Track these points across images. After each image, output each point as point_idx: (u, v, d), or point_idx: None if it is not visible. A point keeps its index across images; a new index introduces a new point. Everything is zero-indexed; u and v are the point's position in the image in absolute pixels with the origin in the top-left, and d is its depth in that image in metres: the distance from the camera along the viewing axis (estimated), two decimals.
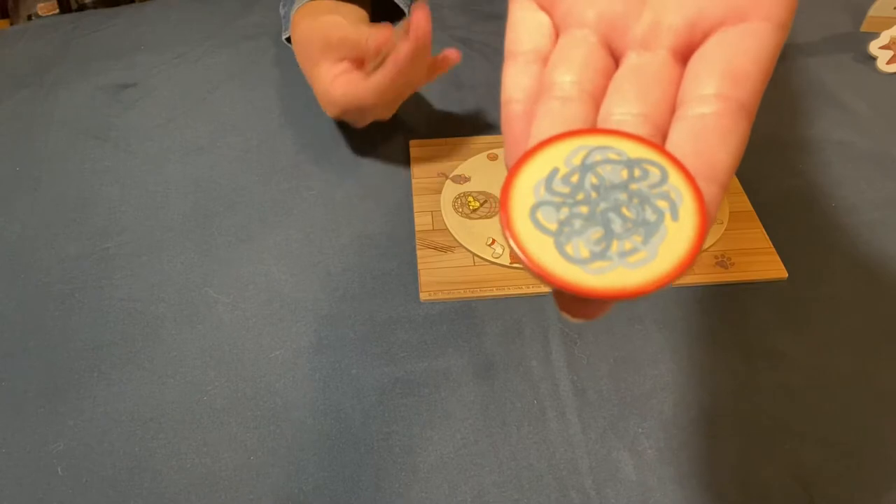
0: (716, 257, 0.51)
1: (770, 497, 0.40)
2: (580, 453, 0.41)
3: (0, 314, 0.48)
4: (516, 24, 0.27)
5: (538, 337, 0.47)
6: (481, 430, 0.42)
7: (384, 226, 0.54)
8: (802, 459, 0.41)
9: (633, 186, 0.22)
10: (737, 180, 0.57)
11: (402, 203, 0.55)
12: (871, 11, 0.71)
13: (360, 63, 0.53)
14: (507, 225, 0.21)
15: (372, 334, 0.47)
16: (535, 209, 0.22)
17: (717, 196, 0.22)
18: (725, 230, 0.53)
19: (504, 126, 0.25)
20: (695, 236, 0.21)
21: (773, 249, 0.51)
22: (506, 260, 0.50)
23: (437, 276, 0.50)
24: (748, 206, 0.55)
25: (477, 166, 0.58)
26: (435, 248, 0.52)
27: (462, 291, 0.49)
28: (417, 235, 0.52)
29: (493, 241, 0.52)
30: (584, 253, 0.21)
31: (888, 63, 0.68)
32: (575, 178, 0.22)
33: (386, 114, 0.56)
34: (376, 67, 0.51)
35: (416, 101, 0.64)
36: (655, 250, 0.21)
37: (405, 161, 0.58)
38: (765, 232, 0.53)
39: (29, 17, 0.82)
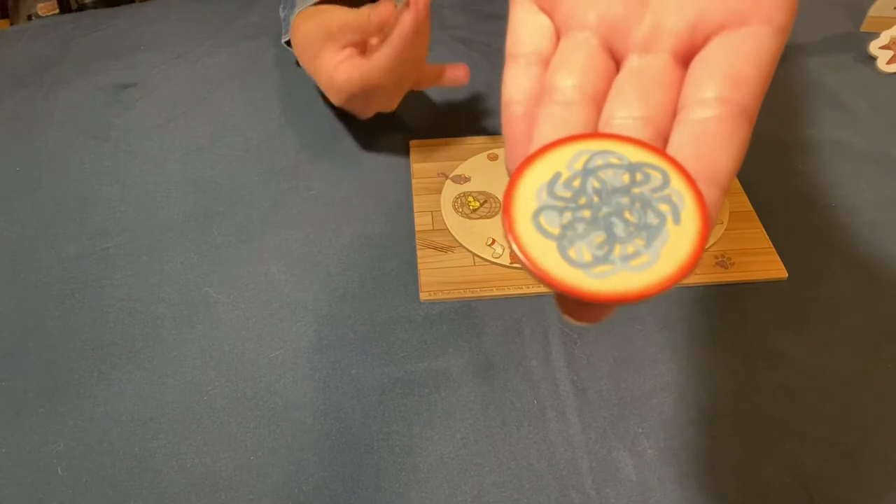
0: (716, 257, 0.51)
1: (770, 497, 0.40)
2: (580, 453, 0.41)
3: (0, 314, 0.48)
4: (517, 25, 0.27)
5: (538, 337, 0.47)
6: (481, 430, 0.42)
7: (384, 226, 0.54)
8: (802, 459, 0.41)
9: (635, 190, 0.22)
10: (737, 180, 0.57)
11: (402, 203, 0.55)
12: (871, 11, 0.71)
13: (363, 48, 0.53)
14: (510, 229, 0.21)
15: (372, 334, 0.47)
16: (537, 213, 0.22)
17: (719, 199, 0.22)
18: (725, 230, 0.53)
19: (505, 127, 0.25)
20: (697, 239, 0.21)
21: (773, 249, 0.51)
22: (506, 260, 0.51)
23: (437, 276, 0.50)
24: (748, 206, 0.55)
25: (477, 166, 0.58)
26: (435, 248, 0.52)
27: (462, 291, 0.49)
28: (417, 235, 0.52)
29: (493, 241, 0.52)
30: (587, 257, 0.21)
31: (888, 63, 0.68)
32: (577, 183, 0.22)
33: (390, 102, 0.56)
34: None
35: (416, 101, 0.64)
36: (658, 254, 0.21)
37: (405, 161, 0.58)
38: (765, 232, 0.53)
39: (29, 17, 0.82)
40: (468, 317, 0.48)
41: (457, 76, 0.57)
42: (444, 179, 0.57)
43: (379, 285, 0.50)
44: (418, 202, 0.55)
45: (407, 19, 0.48)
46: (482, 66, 0.68)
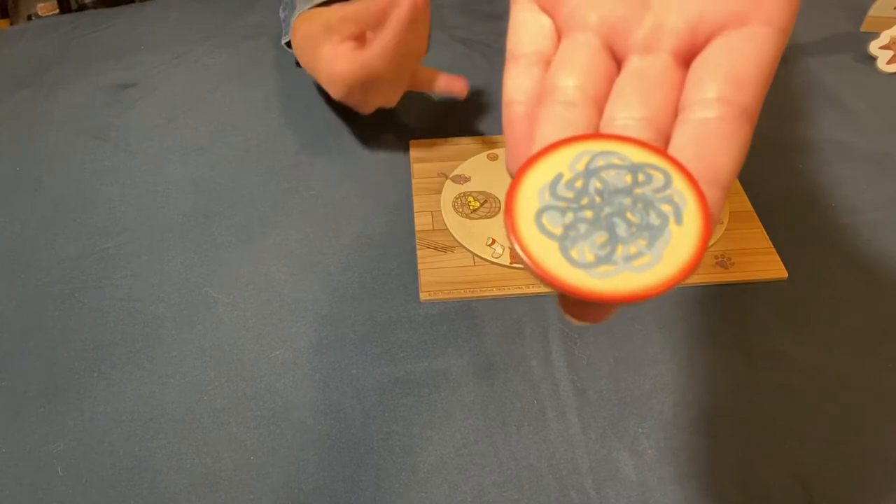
0: (716, 257, 0.51)
1: (770, 497, 0.40)
2: (580, 453, 0.41)
3: (0, 314, 0.48)
4: (518, 25, 0.27)
5: (538, 337, 0.47)
6: (481, 430, 0.42)
7: (384, 226, 0.54)
8: (802, 459, 0.41)
9: (637, 191, 0.22)
10: (737, 180, 0.57)
11: (402, 203, 0.55)
12: (871, 11, 0.71)
13: (363, 41, 0.53)
14: (512, 229, 0.21)
15: (372, 334, 0.47)
16: (540, 214, 0.22)
17: (720, 200, 0.22)
18: (725, 230, 0.53)
19: (506, 127, 0.25)
20: (698, 240, 0.21)
21: (773, 249, 0.51)
22: (506, 260, 0.51)
23: (437, 276, 0.50)
24: (748, 206, 0.55)
25: (477, 166, 0.58)
26: (435, 248, 0.52)
27: (462, 291, 0.49)
28: (417, 235, 0.52)
29: (493, 241, 0.52)
30: (590, 257, 0.21)
31: (888, 63, 0.68)
32: (579, 184, 0.22)
33: (390, 96, 0.56)
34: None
35: (417, 101, 0.64)
36: (660, 254, 0.21)
37: (405, 161, 0.58)
38: (765, 232, 0.53)
39: (29, 17, 0.83)
40: (468, 317, 0.48)
41: (453, 87, 0.57)
42: (444, 179, 0.57)
43: (379, 285, 0.50)
44: (418, 202, 0.55)
45: (404, 5, 0.48)
46: (482, 66, 0.68)
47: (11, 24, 0.85)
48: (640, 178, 0.22)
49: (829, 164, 0.59)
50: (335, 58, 0.52)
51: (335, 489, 0.40)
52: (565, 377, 0.45)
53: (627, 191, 0.22)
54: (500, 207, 0.54)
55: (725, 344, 0.47)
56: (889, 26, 0.69)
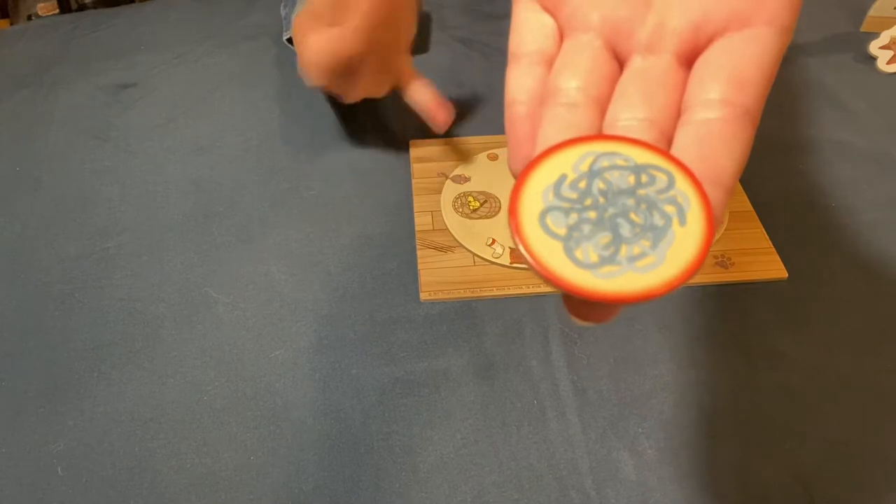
0: (716, 257, 0.51)
1: (770, 497, 0.40)
2: (580, 453, 0.41)
3: (0, 314, 0.48)
4: (520, 25, 0.27)
5: (538, 337, 0.47)
6: (481, 430, 0.42)
7: (384, 226, 0.54)
8: (802, 459, 0.41)
9: (641, 192, 0.22)
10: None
11: (402, 203, 0.55)
12: (871, 11, 0.71)
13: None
14: (516, 230, 0.22)
15: (372, 334, 0.47)
16: (544, 214, 0.22)
17: (723, 201, 0.22)
18: (725, 230, 0.53)
19: (508, 127, 0.25)
20: (702, 240, 0.21)
21: (773, 249, 0.51)
22: (506, 260, 0.51)
23: (437, 276, 0.50)
24: (748, 206, 0.55)
25: (477, 166, 0.58)
26: (435, 248, 0.52)
27: (462, 291, 0.49)
28: (417, 235, 0.52)
29: (494, 241, 0.52)
30: (594, 257, 0.21)
31: (888, 63, 0.68)
32: (583, 184, 0.22)
33: (375, 84, 0.54)
34: None
35: None
36: (664, 255, 0.21)
37: (405, 161, 0.58)
38: (765, 232, 0.53)
39: (29, 17, 0.83)
40: (468, 317, 0.48)
41: (437, 114, 0.53)
42: (444, 179, 0.57)
43: (379, 285, 0.50)
44: (418, 202, 0.55)
45: None
46: (482, 66, 0.68)
47: (11, 24, 0.85)
48: (644, 178, 0.22)
49: (829, 164, 0.59)
50: (314, 42, 0.50)
51: (335, 489, 0.40)
52: (565, 377, 0.45)
53: (631, 192, 0.22)
54: (500, 207, 0.54)
55: (725, 344, 0.47)
56: (889, 26, 0.69)
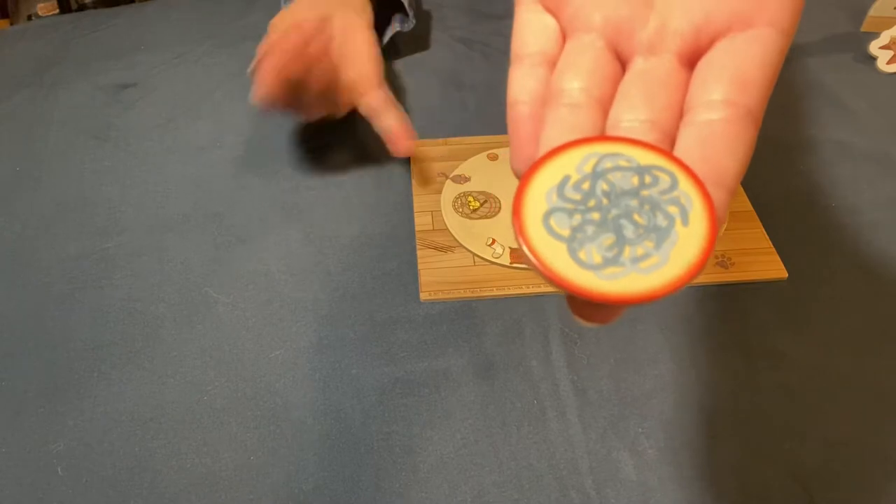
0: (716, 257, 0.51)
1: (770, 497, 0.40)
2: (580, 453, 0.41)
3: (0, 314, 0.48)
4: (522, 26, 0.27)
5: (538, 337, 0.47)
6: (481, 430, 0.42)
7: (384, 226, 0.54)
8: (802, 459, 0.41)
9: (644, 193, 0.22)
10: None
11: (402, 203, 0.55)
12: (871, 11, 0.71)
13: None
14: (520, 231, 0.22)
15: (372, 334, 0.47)
16: (547, 216, 0.22)
17: (725, 201, 0.22)
18: (726, 230, 0.53)
19: (510, 128, 0.25)
20: (705, 241, 0.21)
21: (773, 249, 0.51)
22: (506, 260, 0.51)
23: (437, 276, 0.50)
24: (748, 206, 0.55)
25: (477, 166, 0.58)
26: (435, 248, 0.52)
27: (462, 291, 0.49)
28: (417, 235, 0.52)
29: (493, 240, 0.52)
30: (597, 259, 0.21)
31: (888, 63, 0.68)
32: (586, 186, 0.22)
33: (327, 104, 0.54)
34: None
35: (417, 100, 0.64)
36: (667, 255, 0.21)
37: (405, 161, 0.58)
38: (765, 232, 0.53)
39: (29, 17, 0.83)
40: (468, 317, 0.48)
41: (398, 140, 0.52)
42: (444, 179, 0.57)
43: (379, 285, 0.50)
44: (418, 202, 0.55)
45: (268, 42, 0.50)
46: (482, 66, 0.68)
47: (11, 24, 0.85)
48: (647, 179, 0.22)
49: (829, 164, 0.59)
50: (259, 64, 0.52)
51: (335, 489, 0.40)
52: (565, 377, 0.45)
53: (634, 192, 0.22)
54: (500, 207, 0.54)
55: (725, 344, 0.47)
56: (889, 26, 0.69)
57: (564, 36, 0.26)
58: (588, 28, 0.25)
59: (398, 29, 0.65)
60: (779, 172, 0.58)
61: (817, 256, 0.52)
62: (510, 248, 0.51)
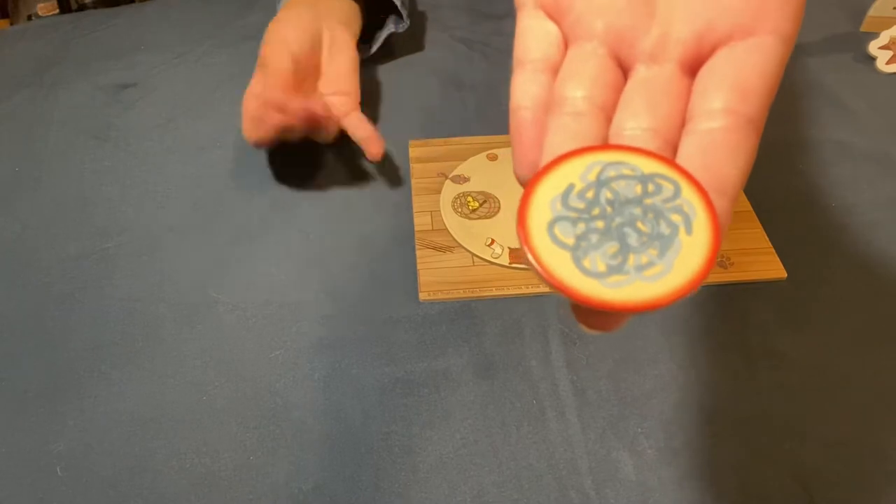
0: None
1: (770, 497, 0.40)
2: (580, 453, 0.41)
3: (0, 314, 0.48)
4: (524, 32, 0.27)
5: (538, 337, 0.47)
6: (481, 430, 0.42)
7: (384, 226, 0.54)
8: (802, 459, 0.41)
9: (648, 201, 0.22)
10: None
11: (401, 203, 0.55)
12: (871, 11, 0.71)
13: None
14: (525, 240, 0.22)
15: (372, 334, 0.47)
16: (552, 224, 0.22)
17: (727, 209, 0.22)
18: None
19: (513, 133, 0.25)
20: (709, 249, 0.21)
21: (773, 249, 0.51)
22: (505, 260, 0.51)
23: (436, 276, 0.50)
24: (748, 206, 0.55)
25: (476, 166, 0.58)
26: (434, 248, 0.52)
27: (461, 291, 0.49)
28: (417, 235, 0.52)
29: (493, 241, 0.52)
30: (602, 267, 0.21)
31: (888, 63, 0.68)
32: (590, 194, 0.23)
33: (311, 134, 0.55)
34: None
35: (417, 100, 0.64)
36: (671, 263, 0.21)
37: (405, 161, 0.58)
38: (764, 232, 0.53)
39: (29, 17, 0.82)
40: (468, 317, 0.48)
41: (369, 145, 0.54)
42: (444, 179, 0.57)
43: (379, 285, 0.50)
44: (418, 202, 0.55)
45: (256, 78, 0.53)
46: (482, 66, 0.68)
47: (11, 24, 0.85)
48: (650, 188, 0.22)
49: (829, 164, 0.59)
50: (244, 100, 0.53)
51: (335, 489, 0.40)
52: (565, 377, 0.45)
53: (638, 201, 0.22)
54: (499, 207, 0.54)
55: (725, 344, 0.47)
56: (889, 26, 0.69)
57: (566, 42, 0.26)
58: (590, 35, 0.25)
59: (393, 30, 0.65)
60: (778, 172, 0.58)
61: (817, 256, 0.52)
62: (509, 248, 0.51)
